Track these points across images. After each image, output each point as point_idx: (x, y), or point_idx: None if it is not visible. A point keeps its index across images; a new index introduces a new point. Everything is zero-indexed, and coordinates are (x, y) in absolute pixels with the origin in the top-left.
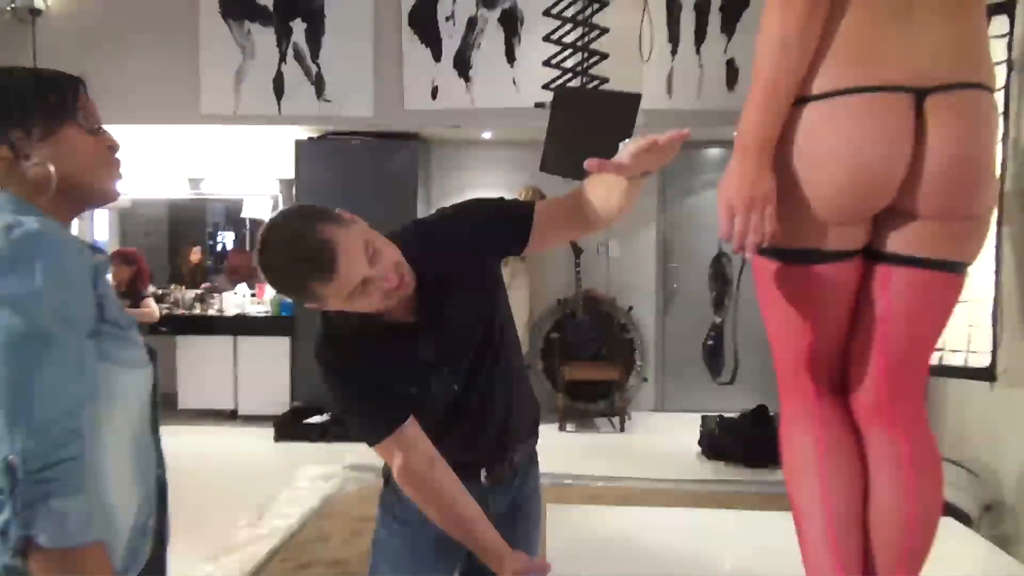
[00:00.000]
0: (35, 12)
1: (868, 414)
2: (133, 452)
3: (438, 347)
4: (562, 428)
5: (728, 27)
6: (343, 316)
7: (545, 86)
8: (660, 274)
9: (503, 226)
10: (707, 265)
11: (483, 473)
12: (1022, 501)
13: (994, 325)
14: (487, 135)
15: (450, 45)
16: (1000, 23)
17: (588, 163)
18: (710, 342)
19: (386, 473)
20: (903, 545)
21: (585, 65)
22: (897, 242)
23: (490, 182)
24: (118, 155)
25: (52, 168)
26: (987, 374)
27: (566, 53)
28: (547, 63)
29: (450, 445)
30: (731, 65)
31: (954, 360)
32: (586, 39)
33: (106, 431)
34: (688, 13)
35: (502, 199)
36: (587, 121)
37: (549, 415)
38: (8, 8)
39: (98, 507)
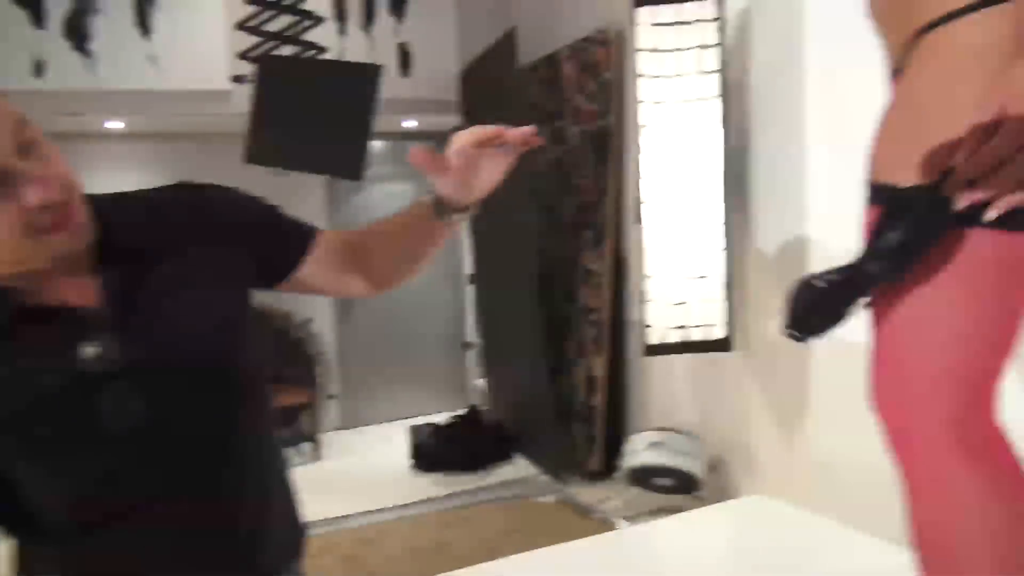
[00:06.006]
0: None
1: None
2: None
3: (132, 346)
4: None
5: (398, 9)
6: None
7: (244, 55)
8: None
9: (277, 239)
10: None
11: None
12: (732, 455)
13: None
14: (118, 125)
15: (58, 4)
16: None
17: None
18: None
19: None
20: None
21: (299, 29)
22: None
23: (123, 187)
24: None
25: None
26: (724, 345)
27: (266, 16)
28: (243, 26)
29: (147, 551)
30: (403, 49)
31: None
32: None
33: None
34: None
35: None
36: (309, 100)
37: None
38: None
39: None
